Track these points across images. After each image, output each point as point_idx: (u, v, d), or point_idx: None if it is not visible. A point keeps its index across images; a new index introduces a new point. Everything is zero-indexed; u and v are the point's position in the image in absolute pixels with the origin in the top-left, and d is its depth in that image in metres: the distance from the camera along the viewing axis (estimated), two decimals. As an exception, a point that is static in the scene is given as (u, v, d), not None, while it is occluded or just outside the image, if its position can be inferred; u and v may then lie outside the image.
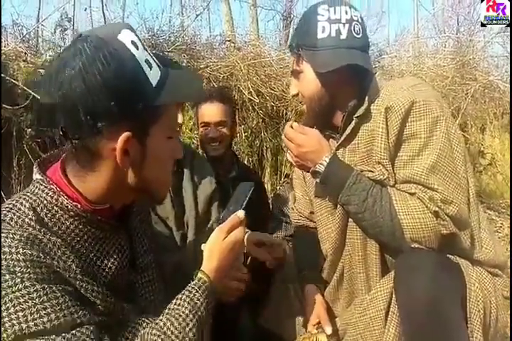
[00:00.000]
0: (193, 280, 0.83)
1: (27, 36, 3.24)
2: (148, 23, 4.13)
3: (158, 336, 0.74)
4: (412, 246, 1.08)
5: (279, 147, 3.55)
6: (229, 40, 3.98)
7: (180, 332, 0.75)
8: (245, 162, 3.19)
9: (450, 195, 1.07)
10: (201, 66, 3.43)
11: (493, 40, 4.83)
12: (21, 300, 0.66)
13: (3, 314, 0.65)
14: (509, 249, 1.05)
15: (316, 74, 1.19)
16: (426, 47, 4.80)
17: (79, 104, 0.70)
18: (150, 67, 0.75)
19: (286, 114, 3.52)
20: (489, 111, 4.10)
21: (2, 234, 0.69)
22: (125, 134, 0.72)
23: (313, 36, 1.16)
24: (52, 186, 0.76)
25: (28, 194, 0.76)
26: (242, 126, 3.40)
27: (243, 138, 3.41)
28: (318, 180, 1.20)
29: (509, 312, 1.13)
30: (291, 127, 1.22)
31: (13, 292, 0.66)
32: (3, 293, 0.66)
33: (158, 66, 0.78)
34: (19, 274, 0.66)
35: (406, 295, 1.02)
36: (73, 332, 0.68)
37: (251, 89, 3.35)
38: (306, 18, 1.19)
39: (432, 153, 1.10)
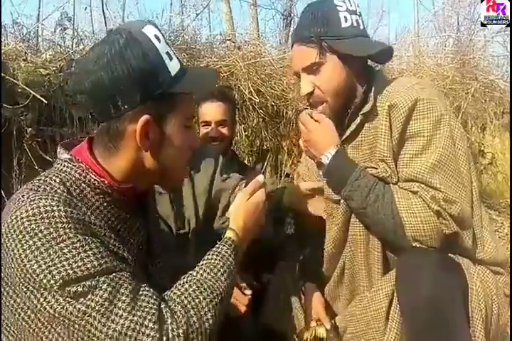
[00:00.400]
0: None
1: (27, 35, 3.24)
2: (148, 22, 4.12)
3: (194, 283, 0.81)
4: (414, 245, 1.08)
5: (279, 146, 3.54)
6: (229, 40, 3.97)
7: (213, 277, 0.83)
8: (245, 161, 3.19)
9: (453, 194, 1.07)
10: (201, 65, 3.42)
11: (493, 40, 4.84)
12: (65, 250, 0.71)
13: (49, 264, 0.70)
14: (509, 249, 1.05)
15: (343, 63, 1.17)
16: (426, 47, 4.79)
17: (106, 89, 0.80)
18: (170, 58, 0.84)
19: (286, 113, 3.51)
20: (489, 110, 4.09)
21: (40, 198, 0.74)
22: (144, 117, 0.81)
23: (338, 25, 1.15)
24: (81, 164, 0.83)
25: (57, 171, 0.82)
26: (242, 126, 3.39)
27: (243, 137, 3.40)
28: (321, 172, 1.21)
29: (510, 311, 1.13)
30: (310, 115, 1.21)
31: (57, 243, 0.71)
32: (47, 245, 0.71)
33: (179, 60, 0.87)
34: (61, 229, 0.72)
35: (408, 293, 1.02)
36: (114, 274, 0.73)
37: (251, 89, 3.34)
38: (324, 8, 1.16)
39: (435, 151, 1.09)
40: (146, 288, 0.76)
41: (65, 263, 0.70)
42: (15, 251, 0.71)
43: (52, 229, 0.72)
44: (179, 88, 0.84)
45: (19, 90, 2.32)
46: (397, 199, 1.09)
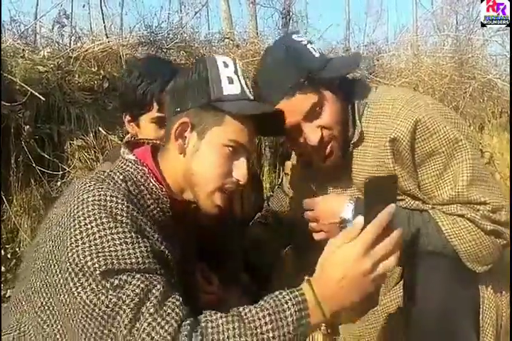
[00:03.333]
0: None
1: (25, 33, 3.23)
2: (146, 20, 4.13)
3: (235, 322, 0.71)
4: (475, 269, 1.02)
5: (277, 145, 3.53)
6: (228, 38, 3.96)
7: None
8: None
9: (498, 201, 1.00)
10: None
11: (491, 39, 4.84)
12: (117, 242, 0.74)
13: (98, 250, 0.73)
14: (509, 249, 1.04)
15: (333, 93, 1.09)
16: (425, 46, 4.80)
17: (173, 94, 0.97)
18: (230, 82, 0.94)
19: (284, 111, 3.50)
20: (487, 109, 4.09)
21: (108, 188, 0.79)
22: (182, 119, 0.92)
23: (315, 59, 1.08)
24: (144, 168, 0.89)
25: (120, 169, 0.87)
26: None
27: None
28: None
29: (509, 312, 1.12)
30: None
31: (111, 234, 0.74)
32: (102, 233, 0.74)
33: (243, 88, 0.95)
34: (119, 222, 0.76)
35: (417, 304, 0.98)
36: (151, 275, 0.74)
37: (250, 87, 3.33)
38: (293, 50, 1.07)
39: (463, 164, 1.02)
40: (177, 297, 0.74)
41: (113, 253, 0.73)
42: (71, 230, 0.75)
43: (111, 219, 0.75)
44: (224, 106, 0.90)
45: (17, 87, 2.31)
46: (444, 227, 1.01)
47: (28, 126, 2.26)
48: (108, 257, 0.73)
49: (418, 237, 1.01)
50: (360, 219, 0.72)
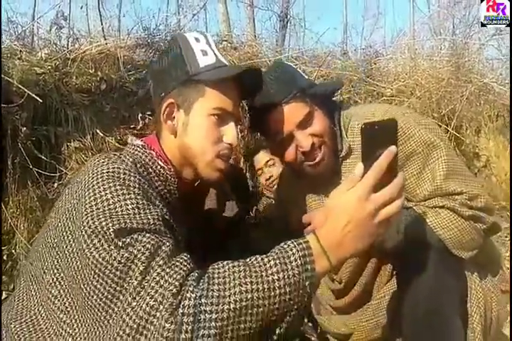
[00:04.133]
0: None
1: (22, 34, 3.21)
2: (144, 22, 4.13)
3: (238, 267, 0.73)
4: (462, 255, 1.08)
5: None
6: (225, 40, 3.96)
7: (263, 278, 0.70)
8: (240, 163, 3.18)
9: (473, 190, 1.09)
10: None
11: (488, 43, 4.87)
12: (130, 206, 0.78)
13: (112, 213, 0.76)
14: (509, 249, 1.08)
15: (322, 110, 1.21)
16: (422, 49, 4.81)
17: (152, 81, 1.03)
18: (204, 54, 0.97)
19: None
20: (484, 113, 4.11)
21: (122, 163, 0.84)
22: (167, 101, 0.96)
23: (306, 79, 1.23)
24: (151, 151, 0.94)
25: (129, 154, 0.92)
26: (238, 126, 3.38)
27: (239, 138, 3.40)
28: None
29: (508, 309, 1.14)
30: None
31: (124, 199, 0.78)
32: (115, 199, 0.78)
33: (216, 56, 0.98)
34: (131, 191, 0.80)
35: (408, 295, 1.03)
36: (160, 235, 0.77)
37: (247, 90, 3.33)
38: (283, 71, 1.21)
39: (439, 161, 1.11)
40: (186, 254, 0.77)
41: (125, 216, 0.77)
42: (86, 198, 0.79)
43: (124, 187, 0.80)
44: (201, 77, 0.94)
45: (14, 89, 2.30)
46: (428, 219, 1.09)
47: (24, 128, 2.25)
48: (121, 218, 0.76)
49: (408, 232, 1.07)
50: (360, 165, 0.72)
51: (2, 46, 2.60)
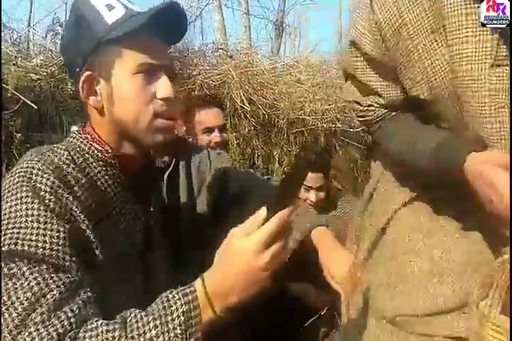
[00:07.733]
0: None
1: (18, 40, 3.21)
2: (140, 29, 4.12)
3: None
4: None
5: (270, 155, 3.55)
6: (221, 48, 3.99)
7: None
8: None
9: None
10: (193, 73, 3.43)
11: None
12: (29, 218, 0.69)
13: (11, 221, 0.68)
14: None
15: None
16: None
17: (64, 60, 0.91)
18: (110, 9, 0.81)
19: (277, 122, 3.53)
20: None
21: (38, 161, 0.74)
22: (85, 74, 0.81)
23: None
24: (86, 135, 0.84)
25: (66, 142, 0.84)
26: (234, 134, 3.39)
27: (235, 145, 3.40)
28: None
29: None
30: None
31: (26, 209, 0.69)
32: (18, 207, 0.69)
33: (125, 6, 0.82)
34: (38, 197, 0.70)
35: None
36: (52, 273, 0.66)
37: (243, 97, 3.35)
38: None
39: None
40: (79, 303, 0.66)
41: (22, 230, 0.67)
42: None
43: (30, 194, 0.70)
44: (115, 34, 0.78)
45: (9, 95, 2.29)
46: None
47: (19, 134, 2.25)
48: (15, 234, 0.67)
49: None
50: (263, 211, 0.66)
51: (-3, 52, 2.60)
